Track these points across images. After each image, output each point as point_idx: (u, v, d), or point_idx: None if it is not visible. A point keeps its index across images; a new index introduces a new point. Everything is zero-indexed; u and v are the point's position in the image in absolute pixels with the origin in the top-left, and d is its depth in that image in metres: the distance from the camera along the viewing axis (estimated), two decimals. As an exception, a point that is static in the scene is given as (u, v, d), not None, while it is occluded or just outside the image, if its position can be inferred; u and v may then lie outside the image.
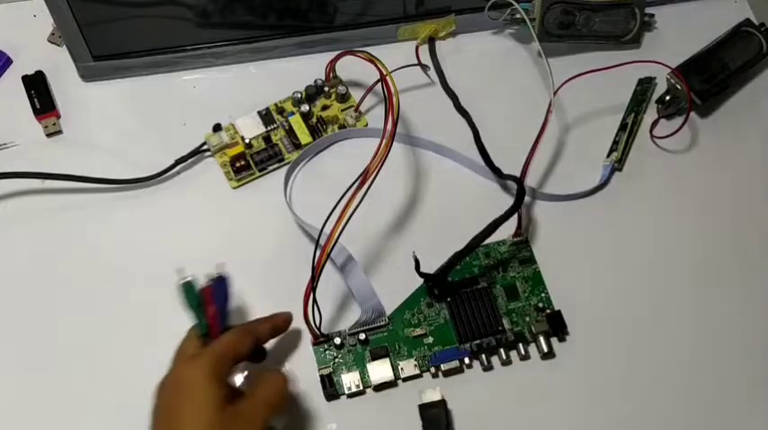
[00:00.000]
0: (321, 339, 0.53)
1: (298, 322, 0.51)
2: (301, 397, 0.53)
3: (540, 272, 0.55)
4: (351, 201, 0.48)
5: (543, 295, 0.54)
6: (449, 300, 0.54)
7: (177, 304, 0.55)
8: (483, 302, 0.54)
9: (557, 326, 0.53)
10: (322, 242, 0.49)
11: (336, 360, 0.53)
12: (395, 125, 0.49)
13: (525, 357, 0.53)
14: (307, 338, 0.53)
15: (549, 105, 0.56)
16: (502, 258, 0.56)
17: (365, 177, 0.48)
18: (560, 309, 0.54)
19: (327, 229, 0.48)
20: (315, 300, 0.49)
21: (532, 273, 0.55)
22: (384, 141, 0.48)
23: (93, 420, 0.52)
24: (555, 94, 0.57)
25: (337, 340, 0.53)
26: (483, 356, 0.53)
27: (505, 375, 0.53)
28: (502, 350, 0.53)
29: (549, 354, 0.53)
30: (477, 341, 0.53)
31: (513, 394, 0.52)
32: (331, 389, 0.51)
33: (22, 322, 0.55)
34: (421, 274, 0.52)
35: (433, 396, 0.51)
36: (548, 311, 0.54)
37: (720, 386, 0.54)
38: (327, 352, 0.53)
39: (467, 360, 0.52)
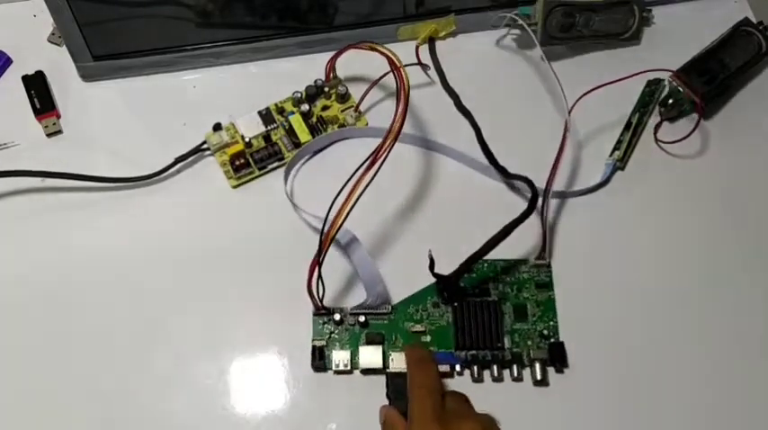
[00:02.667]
0: (322, 311, 0.53)
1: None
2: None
3: (554, 299, 0.54)
4: (361, 180, 0.47)
5: (551, 323, 0.54)
6: (456, 304, 0.54)
7: (177, 303, 0.55)
8: (489, 315, 0.53)
9: (556, 357, 0.52)
10: (330, 219, 0.48)
11: (332, 335, 0.53)
12: (406, 102, 0.49)
13: (518, 379, 0.52)
14: (303, 320, 0.53)
15: (566, 126, 0.56)
16: (520, 277, 0.55)
17: (376, 156, 0.47)
18: (565, 339, 0.53)
19: (334, 212, 0.48)
20: (320, 273, 0.49)
21: (546, 299, 0.54)
22: (398, 114, 0.48)
23: (91, 420, 0.52)
24: (570, 113, 0.57)
25: (337, 316, 0.53)
26: (475, 367, 0.52)
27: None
28: (495, 366, 0.52)
29: (541, 382, 0.52)
30: (474, 351, 0.52)
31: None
32: (320, 361, 0.52)
33: (22, 322, 0.55)
34: (435, 275, 0.51)
35: (401, 365, 0.51)
36: (551, 340, 0.53)
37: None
38: (325, 325, 0.53)
39: (458, 367, 0.52)
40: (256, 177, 0.59)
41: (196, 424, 0.51)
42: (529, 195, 0.55)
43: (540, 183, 0.56)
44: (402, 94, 0.49)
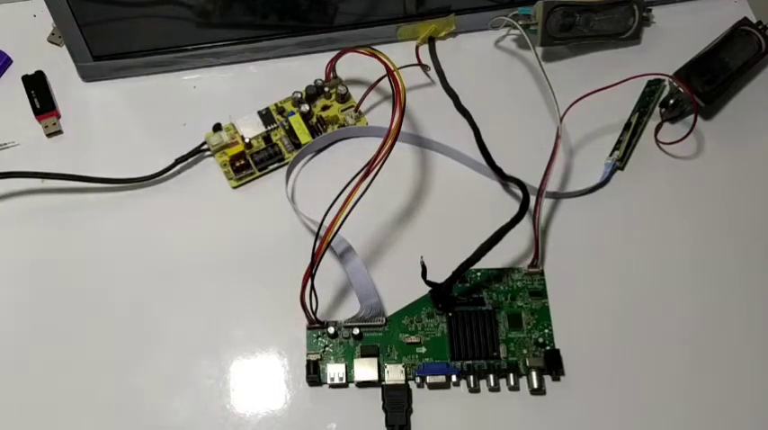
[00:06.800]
0: (316, 325, 0.53)
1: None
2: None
3: (548, 307, 0.54)
4: (355, 190, 0.47)
5: (546, 331, 0.53)
6: (450, 314, 0.54)
7: (177, 303, 0.55)
8: (484, 325, 0.53)
9: (552, 365, 0.52)
10: (323, 233, 0.48)
11: (326, 348, 0.53)
12: (402, 114, 0.49)
13: (514, 388, 0.52)
14: (303, 321, 0.53)
15: (557, 133, 0.56)
16: (513, 285, 0.55)
17: (370, 167, 0.48)
18: (561, 346, 0.53)
19: (328, 221, 0.48)
20: (312, 286, 0.49)
21: (540, 307, 0.54)
22: (394, 123, 0.48)
23: (91, 420, 0.52)
24: (561, 120, 0.57)
25: (331, 329, 0.53)
26: (471, 378, 0.52)
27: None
28: (492, 376, 0.52)
29: (538, 391, 0.52)
30: (470, 361, 0.52)
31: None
32: (314, 375, 0.52)
33: (22, 322, 0.55)
34: (427, 283, 0.51)
35: (396, 377, 0.51)
36: (547, 348, 0.53)
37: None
38: (320, 339, 0.53)
39: (454, 378, 0.52)
40: (257, 178, 0.59)
41: (196, 424, 0.51)
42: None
43: (534, 180, 0.56)
44: (398, 105, 0.49)
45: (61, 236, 0.58)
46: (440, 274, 0.52)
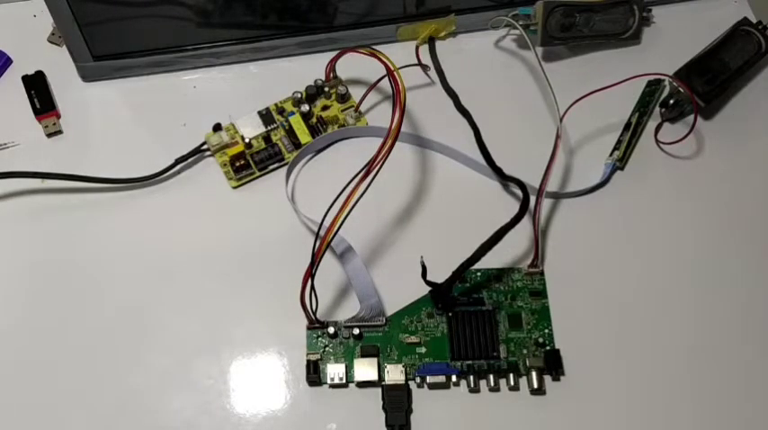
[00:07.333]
0: (316, 325, 0.53)
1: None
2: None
3: (548, 307, 0.54)
4: (355, 190, 0.47)
5: (546, 331, 0.53)
6: (450, 314, 0.54)
7: (177, 303, 0.55)
8: (484, 325, 0.53)
9: (552, 365, 0.52)
10: (323, 233, 0.49)
11: (326, 348, 0.53)
12: (402, 114, 0.49)
13: (514, 388, 0.52)
14: (303, 321, 0.53)
15: (557, 133, 0.56)
16: (513, 285, 0.55)
17: (370, 167, 0.48)
18: (561, 346, 0.53)
19: (328, 221, 0.48)
20: (312, 286, 0.49)
21: (540, 307, 0.54)
22: (394, 123, 0.48)
23: (91, 420, 0.52)
24: (561, 120, 0.57)
25: (331, 329, 0.53)
26: (471, 378, 0.52)
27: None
28: (492, 376, 0.52)
29: (538, 391, 0.52)
30: (470, 361, 0.52)
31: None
32: (314, 375, 0.52)
33: (22, 322, 0.55)
34: (427, 283, 0.52)
35: (396, 377, 0.51)
36: (547, 348, 0.53)
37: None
38: (320, 339, 0.53)
39: (454, 378, 0.52)
40: (257, 178, 0.59)
41: (196, 424, 0.51)
42: (526, 198, 0.54)
43: (534, 180, 0.56)
44: (398, 106, 0.49)
45: (61, 236, 0.58)
46: (440, 274, 0.52)
